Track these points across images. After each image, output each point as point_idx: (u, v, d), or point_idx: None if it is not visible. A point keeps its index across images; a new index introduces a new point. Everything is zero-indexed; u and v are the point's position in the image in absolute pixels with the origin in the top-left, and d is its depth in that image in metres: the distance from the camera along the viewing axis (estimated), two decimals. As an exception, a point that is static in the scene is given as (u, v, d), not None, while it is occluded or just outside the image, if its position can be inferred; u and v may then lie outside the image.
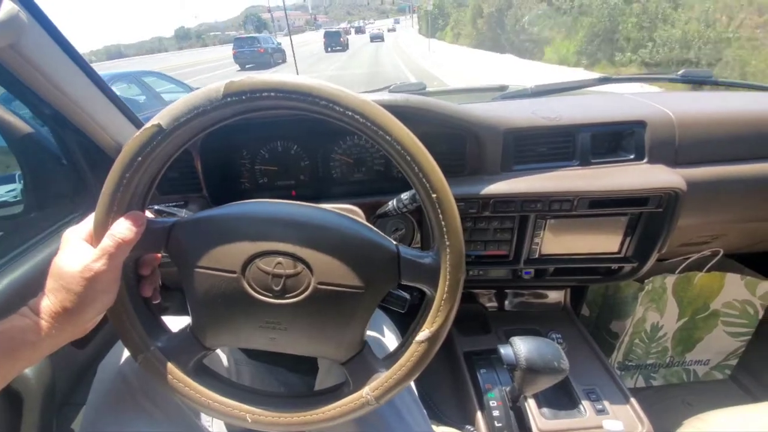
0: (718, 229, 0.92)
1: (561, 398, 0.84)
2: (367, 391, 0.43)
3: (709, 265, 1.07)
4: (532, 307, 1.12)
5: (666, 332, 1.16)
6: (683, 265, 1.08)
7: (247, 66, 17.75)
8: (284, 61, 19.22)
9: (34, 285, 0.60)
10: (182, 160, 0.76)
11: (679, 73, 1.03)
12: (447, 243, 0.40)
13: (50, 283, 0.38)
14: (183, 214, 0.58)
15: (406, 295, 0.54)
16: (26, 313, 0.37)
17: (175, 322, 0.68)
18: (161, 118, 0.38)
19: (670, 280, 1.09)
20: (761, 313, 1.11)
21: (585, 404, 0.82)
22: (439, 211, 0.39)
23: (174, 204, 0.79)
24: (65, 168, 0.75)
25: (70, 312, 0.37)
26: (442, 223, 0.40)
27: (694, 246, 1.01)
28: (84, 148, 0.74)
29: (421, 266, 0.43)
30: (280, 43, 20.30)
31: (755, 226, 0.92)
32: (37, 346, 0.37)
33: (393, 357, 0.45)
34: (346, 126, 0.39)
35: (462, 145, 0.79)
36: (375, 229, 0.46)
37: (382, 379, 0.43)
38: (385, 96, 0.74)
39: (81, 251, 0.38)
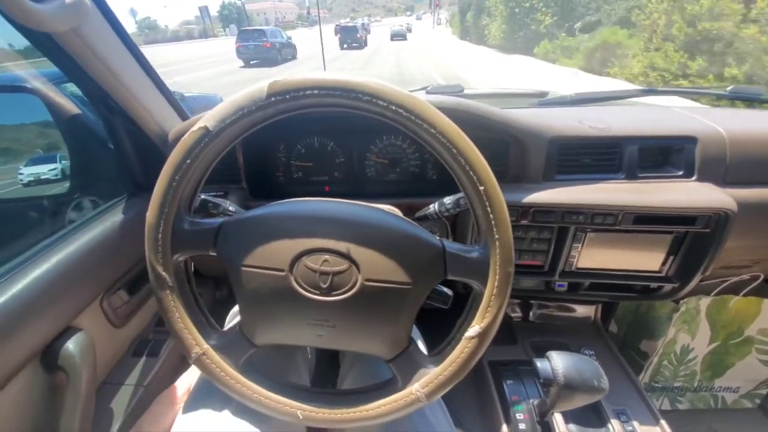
0: (760, 253, 0.89)
1: (589, 416, 0.82)
2: (417, 388, 0.42)
3: (746, 290, 1.03)
4: (559, 320, 1.09)
5: (696, 355, 1.13)
6: (720, 287, 1.04)
7: (252, 62, 15.69)
8: (294, 57, 17.27)
9: (78, 266, 0.61)
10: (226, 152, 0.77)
11: (728, 89, 0.99)
12: (496, 236, 0.40)
13: None
14: (227, 204, 0.58)
15: (449, 291, 0.54)
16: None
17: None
18: (208, 120, 0.38)
19: (704, 302, 1.05)
20: (800, 343, 1.07)
21: (614, 423, 0.80)
22: (487, 204, 0.39)
23: (214, 194, 0.80)
24: (111, 152, 0.77)
25: None
26: (491, 216, 0.39)
27: (733, 269, 0.98)
28: (131, 133, 0.75)
29: (468, 260, 0.42)
30: (290, 37, 18.02)
31: None
32: None
33: (441, 353, 0.44)
34: (389, 121, 0.38)
35: (505, 150, 0.77)
36: (418, 225, 0.46)
37: (432, 375, 0.42)
38: (431, 98, 0.73)
39: None
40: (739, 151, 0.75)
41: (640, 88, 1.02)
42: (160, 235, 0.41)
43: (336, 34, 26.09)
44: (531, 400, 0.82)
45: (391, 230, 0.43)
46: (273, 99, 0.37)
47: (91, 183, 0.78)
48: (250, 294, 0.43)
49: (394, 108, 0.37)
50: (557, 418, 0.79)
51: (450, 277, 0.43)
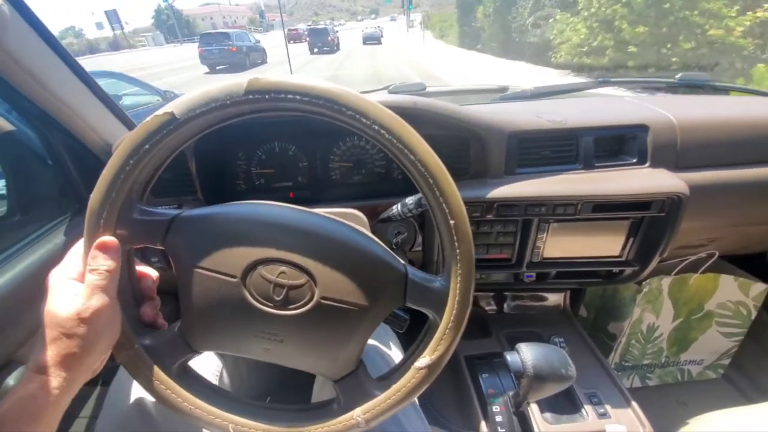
0: (715, 232, 0.93)
1: (563, 402, 0.84)
2: (358, 413, 0.41)
3: (704, 267, 1.09)
4: (532, 309, 1.11)
5: (662, 333, 1.17)
6: (679, 267, 1.09)
7: (218, 67, 14.89)
8: (264, 61, 16.56)
9: (19, 294, 0.57)
10: (176, 161, 0.73)
11: (677, 77, 1.04)
12: (459, 271, 0.39)
13: (49, 334, 0.35)
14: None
15: (407, 317, 0.53)
16: (30, 378, 0.35)
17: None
18: (175, 106, 0.35)
19: (666, 281, 1.10)
20: (754, 314, 1.13)
21: (587, 408, 0.82)
22: (455, 238, 0.38)
23: (168, 207, 0.76)
24: (51, 169, 0.72)
25: (77, 358, 0.35)
26: (457, 251, 0.38)
27: (690, 248, 1.02)
28: (71, 148, 0.70)
29: (429, 290, 0.42)
30: (258, 41, 17.17)
31: (751, 229, 0.93)
32: (55, 406, 0.35)
33: (388, 380, 0.43)
34: (369, 138, 0.37)
35: (465, 147, 0.77)
36: (384, 245, 0.44)
37: (375, 402, 0.41)
38: (391, 98, 0.72)
39: (71, 292, 0.36)
40: (689, 136, 0.79)
41: (596, 80, 1.05)
42: (102, 221, 0.37)
43: (290, 41, 23.82)
44: (507, 392, 0.83)
45: (356, 249, 0.41)
46: (251, 96, 0.35)
47: (31, 203, 0.72)
48: (196, 297, 0.40)
49: (376, 128, 0.36)
50: (533, 408, 0.81)
51: (408, 304, 0.42)
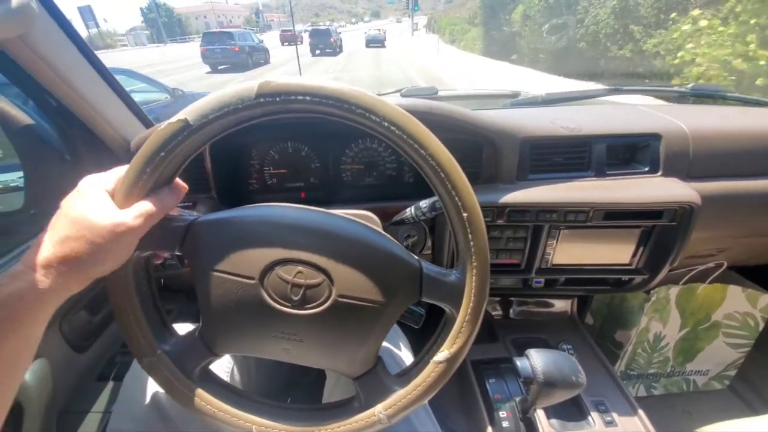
0: (724, 242, 0.93)
1: (569, 409, 0.83)
2: (380, 409, 0.42)
3: (712, 277, 1.08)
4: (538, 315, 1.11)
5: (668, 342, 1.17)
6: (687, 276, 1.08)
7: (220, 67, 14.78)
8: (267, 61, 16.39)
9: None
10: (192, 160, 0.74)
11: (689, 86, 1.04)
12: (474, 264, 0.39)
13: (69, 230, 0.34)
14: (195, 215, 0.55)
15: (422, 311, 0.53)
16: (20, 275, 0.33)
17: (179, 329, 0.67)
18: (188, 113, 0.36)
19: (674, 291, 1.09)
20: (761, 326, 1.13)
21: (594, 416, 0.82)
22: (468, 230, 0.39)
23: (182, 205, 0.76)
24: (68, 164, 0.72)
25: (81, 263, 0.34)
26: (471, 243, 0.39)
27: (699, 258, 1.02)
28: (89, 144, 0.71)
29: (444, 284, 0.42)
30: (262, 41, 17.13)
31: (759, 240, 0.93)
32: (43, 308, 0.34)
33: (408, 375, 0.44)
34: (379, 136, 0.38)
35: (478, 152, 0.78)
36: (396, 242, 0.45)
37: (396, 397, 0.42)
38: (406, 101, 0.73)
39: (109, 204, 0.36)
40: (701, 146, 0.79)
41: (607, 87, 1.06)
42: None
43: (284, 43, 23.32)
44: (514, 397, 0.83)
45: (371, 246, 0.42)
46: (262, 100, 0.35)
47: (48, 197, 0.73)
48: (216, 300, 0.41)
49: (386, 125, 0.36)
50: (539, 414, 0.81)
51: (424, 300, 0.43)
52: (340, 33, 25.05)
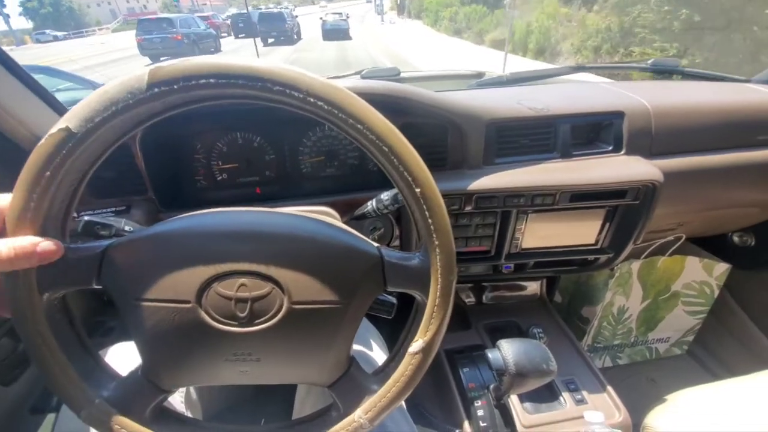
0: (685, 217, 0.95)
1: (541, 391, 0.84)
2: (359, 414, 0.38)
3: (671, 250, 1.12)
4: (510, 299, 1.12)
5: (631, 314, 1.21)
6: (648, 250, 1.12)
7: (162, 58, 11.98)
8: (217, 49, 14.74)
9: None
10: (120, 156, 0.65)
11: (649, 62, 1.04)
12: (436, 242, 0.36)
13: None
14: (122, 224, 0.48)
15: (393, 300, 0.50)
16: None
17: (122, 351, 0.60)
18: (69, 119, 0.29)
19: (635, 265, 1.13)
20: (716, 293, 1.19)
21: (565, 395, 0.83)
22: (425, 207, 0.35)
23: (113, 210, 0.68)
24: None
25: None
26: (429, 221, 0.35)
27: (660, 233, 1.05)
28: None
29: (409, 269, 0.38)
30: (208, 27, 15.07)
31: (717, 213, 0.96)
32: None
33: (384, 372, 0.40)
34: (309, 115, 0.32)
35: (443, 137, 0.74)
36: (352, 231, 0.41)
37: (374, 399, 0.38)
38: (362, 83, 0.67)
39: None
40: (663, 122, 0.78)
41: (571, 66, 1.04)
42: (20, 271, 0.32)
43: (231, 31, 18.57)
44: (488, 385, 0.82)
45: (321, 241, 0.37)
46: (156, 90, 0.29)
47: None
48: (151, 333, 0.35)
49: (312, 101, 0.31)
50: (513, 400, 0.81)
51: (390, 289, 0.39)
52: (297, 17, 20.74)
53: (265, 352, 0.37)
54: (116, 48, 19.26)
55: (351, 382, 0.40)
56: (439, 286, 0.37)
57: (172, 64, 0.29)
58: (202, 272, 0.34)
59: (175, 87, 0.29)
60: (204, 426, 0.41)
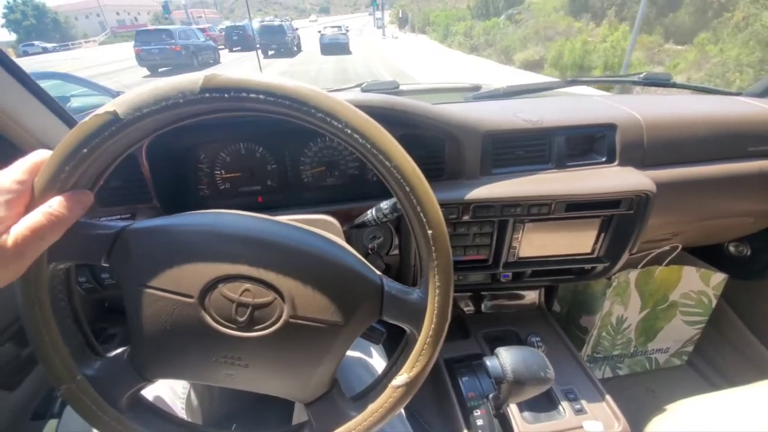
0: (679, 227, 0.97)
1: (541, 400, 0.84)
2: None
3: (668, 260, 1.13)
4: (509, 308, 1.12)
5: (630, 324, 1.22)
6: (645, 260, 1.13)
7: (160, 70, 13.11)
8: (216, 61, 14.72)
9: None
10: (126, 165, 0.66)
11: (641, 75, 1.07)
12: (438, 283, 0.37)
13: None
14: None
15: (383, 330, 0.50)
16: None
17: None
18: (118, 105, 0.31)
19: (633, 275, 1.13)
20: (714, 302, 1.19)
21: (564, 405, 0.83)
22: (433, 248, 0.36)
23: (118, 218, 0.69)
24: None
25: None
26: (435, 261, 0.37)
27: (656, 242, 1.06)
28: (5, 155, 0.62)
29: (406, 303, 0.39)
30: (208, 38, 15.32)
31: (711, 223, 0.97)
32: None
33: (364, 399, 0.41)
34: (341, 141, 0.34)
35: (441, 148, 0.76)
36: (359, 256, 0.42)
37: (350, 425, 0.39)
38: (362, 96, 0.69)
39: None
40: (655, 134, 0.80)
41: (565, 80, 1.07)
42: None
43: (232, 48, 18.37)
44: (487, 394, 0.82)
45: (328, 261, 0.38)
46: (207, 95, 0.31)
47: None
48: (147, 320, 0.36)
49: (349, 132, 0.33)
50: (512, 409, 0.81)
51: (384, 319, 0.40)
52: (297, 29, 20.72)
53: (255, 360, 0.37)
54: (117, 59, 18.98)
55: (330, 403, 0.41)
56: (432, 326, 0.38)
57: (227, 75, 0.31)
58: (211, 270, 0.35)
59: (226, 95, 0.31)
60: (176, 422, 0.42)
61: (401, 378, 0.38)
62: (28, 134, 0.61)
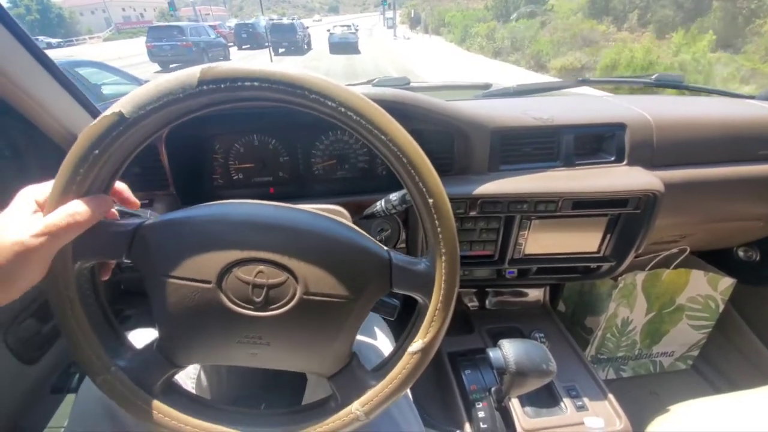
0: (687, 228, 0.96)
1: (542, 396, 0.85)
2: (356, 406, 0.41)
3: (676, 263, 1.13)
4: (513, 305, 1.13)
5: (635, 326, 1.21)
6: (653, 262, 1.12)
7: (171, 66, 13.38)
8: (226, 57, 14.98)
9: None
10: (146, 153, 0.69)
11: (653, 77, 1.06)
12: (443, 250, 0.38)
13: None
14: (148, 214, 0.52)
15: (396, 302, 0.52)
16: None
17: (139, 336, 0.63)
18: (123, 105, 0.33)
19: (640, 276, 1.13)
20: (721, 307, 1.18)
21: (566, 401, 0.83)
22: (435, 216, 0.38)
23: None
24: (8, 160, 0.66)
25: None
26: (438, 229, 0.38)
27: (663, 244, 1.06)
28: (31, 138, 0.65)
29: (415, 273, 0.41)
30: (218, 35, 15.60)
31: (720, 226, 0.97)
32: None
33: (383, 369, 0.43)
34: (337, 122, 0.36)
35: (450, 143, 0.77)
36: (364, 233, 0.43)
37: (372, 393, 0.41)
38: (375, 90, 0.71)
39: (24, 218, 0.34)
40: (664, 135, 0.81)
41: (576, 79, 1.07)
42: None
43: (242, 46, 18.47)
44: (490, 387, 0.83)
45: (336, 239, 0.40)
46: (205, 87, 0.33)
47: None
48: (171, 308, 0.38)
49: (343, 110, 0.34)
50: (514, 403, 0.82)
51: (395, 290, 0.42)
52: (307, 28, 21.16)
53: (275, 338, 0.39)
54: (130, 54, 18.99)
55: (350, 375, 0.42)
56: (442, 292, 0.39)
57: (221, 67, 0.33)
58: (225, 256, 0.37)
59: (222, 86, 0.33)
60: (208, 404, 0.44)
61: (417, 344, 0.40)
62: (57, 123, 0.64)
